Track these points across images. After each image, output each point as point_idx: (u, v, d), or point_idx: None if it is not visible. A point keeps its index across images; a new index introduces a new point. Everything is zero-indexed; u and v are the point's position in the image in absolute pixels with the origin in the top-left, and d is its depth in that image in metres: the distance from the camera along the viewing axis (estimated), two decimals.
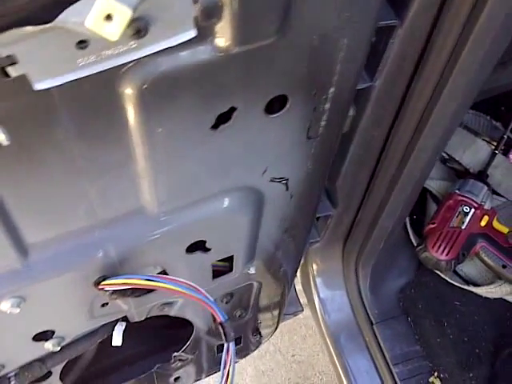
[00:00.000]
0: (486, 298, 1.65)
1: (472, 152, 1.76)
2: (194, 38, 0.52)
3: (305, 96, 0.69)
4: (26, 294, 0.76)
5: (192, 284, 0.74)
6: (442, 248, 1.56)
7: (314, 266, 1.63)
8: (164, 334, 1.30)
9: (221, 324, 0.78)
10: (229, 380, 0.77)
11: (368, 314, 1.60)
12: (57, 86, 0.50)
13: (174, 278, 0.74)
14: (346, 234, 1.49)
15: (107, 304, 0.88)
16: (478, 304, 1.66)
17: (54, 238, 0.71)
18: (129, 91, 0.56)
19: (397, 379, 1.52)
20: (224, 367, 0.78)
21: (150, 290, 0.88)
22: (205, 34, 0.54)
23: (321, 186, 0.95)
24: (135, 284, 0.74)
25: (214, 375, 1.72)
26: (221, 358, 1.48)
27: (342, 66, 0.67)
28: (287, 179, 0.82)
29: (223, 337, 0.78)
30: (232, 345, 0.78)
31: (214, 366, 1.59)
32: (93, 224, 0.72)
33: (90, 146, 0.60)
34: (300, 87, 0.67)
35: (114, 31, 0.43)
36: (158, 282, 0.73)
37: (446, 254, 1.56)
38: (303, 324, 2.53)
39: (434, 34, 0.86)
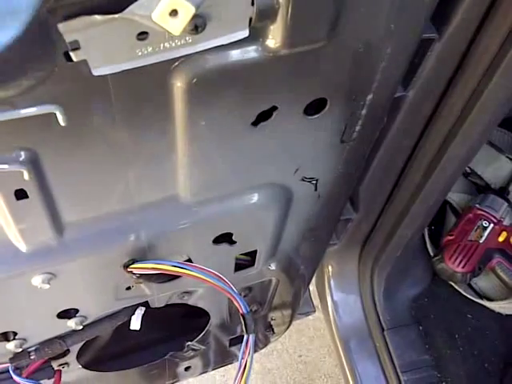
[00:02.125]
0: (499, 313, 1.66)
1: (494, 168, 1.77)
2: (245, 37, 0.54)
3: (344, 100, 0.70)
4: (57, 271, 0.79)
5: (219, 274, 0.77)
6: (458, 260, 1.57)
7: (330, 268, 1.65)
8: (179, 322, 1.32)
9: (243, 316, 0.80)
10: (246, 371, 0.79)
11: (380, 319, 1.61)
12: (113, 74, 0.53)
13: (202, 266, 0.76)
14: (364, 238, 1.50)
15: (132, 287, 0.91)
16: (490, 319, 1.66)
17: (90, 219, 0.74)
18: (179, 84, 0.58)
19: None
20: (242, 358, 0.80)
21: (174, 277, 0.90)
22: (256, 34, 0.56)
23: (349, 190, 0.97)
24: (164, 269, 0.76)
25: (218, 369, 1.75)
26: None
27: (382, 75, 0.69)
28: (317, 180, 0.84)
29: (244, 328, 0.80)
30: (252, 337, 0.80)
31: (222, 359, 1.61)
32: (128, 208, 0.75)
33: (136, 134, 0.63)
34: (340, 92, 0.69)
35: (177, 26, 0.45)
36: (187, 269, 0.75)
37: (463, 267, 1.57)
38: (312, 325, 2.54)
39: (471, 50, 0.88)
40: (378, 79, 0.70)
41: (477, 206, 1.63)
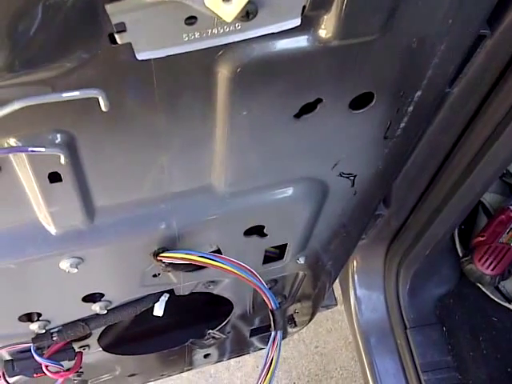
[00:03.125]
0: None
1: None
2: (296, 26, 0.52)
3: (391, 96, 0.67)
4: (86, 256, 0.77)
5: (250, 269, 0.75)
6: (488, 262, 1.53)
7: (355, 263, 1.62)
8: (202, 310, 1.31)
9: (272, 311, 0.78)
10: (271, 368, 0.77)
11: (403, 317, 1.58)
12: (157, 59, 0.50)
13: (233, 259, 0.74)
14: (392, 235, 1.47)
15: (159, 275, 0.89)
16: None
17: (122, 205, 0.72)
18: (223, 72, 0.56)
19: None
20: (268, 354, 0.78)
21: (202, 267, 0.89)
22: (308, 23, 0.53)
23: (386, 187, 0.94)
24: (195, 261, 0.74)
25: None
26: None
27: (433, 72, 0.66)
28: (355, 176, 0.81)
29: (272, 324, 0.79)
30: (280, 333, 0.78)
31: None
32: (161, 196, 0.73)
33: (175, 120, 0.60)
34: (388, 87, 0.66)
35: (230, 12, 0.43)
36: (218, 261, 0.73)
37: (492, 269, 1.53)
38: (330, 317, 2.53)
39: None
40: (429, 76, 0.66)
41: (510, 207, 1.59)
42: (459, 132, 1.05)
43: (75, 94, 0.46)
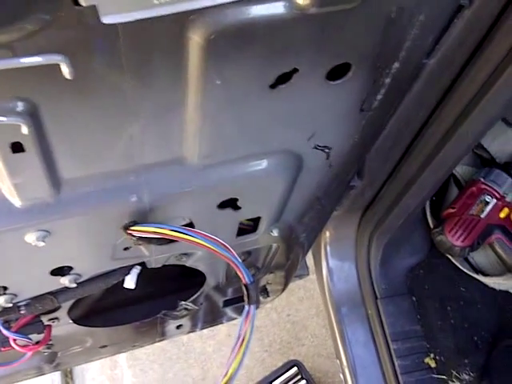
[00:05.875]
0: (493, 288, 1.65)
1: (501, 142, 1.72)
2: None
3: (368, 67, 0.66)
4: (52, 229, 0.75)
5: (223, 242, 0.73)
6: (458, 234, 1.55)
7: (327, 234, 1.62)
8: (174, 281, 1.30)
9: (245, 285, 0.77)
10: (244, 342, 0.76)
11: (374, 288, 1.60)
12: (125, 23, 0.47)
13: (205, 233, 0.73)
14: (365, 206, 1.47)
15: (130, 248, 0.87)
16: (483, 293, 1.66)
17: (90, 177, 0.70)
18: (195, 39, 0.53)
19: (393, 355, 1.54)
20: (241, 329, 0.77)
21: (174, 240, 0.87)
22: None
23: (361, 159, 0.93)
24: (167, 234, 0.72)
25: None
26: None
27: (411, 43, 0.64)
28: (330, 148, 0.80)
29: (246, 299, 0.78)
30: (253, 308, 0.78)
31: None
32: (130, 167, 0.70)
33: (144, 86, 0.58)
34: (366, 58, 0.64)
35: None
36: (191, 235, 0.71)
37: (462, 241, 1.55)
38: (302, 286, 2.55)
39: (499, 22, 0.82)
40: (407, 47, 0.65)
41: (481, 179, 1.60)
42: (434, 104, 1.04)
43: (37, 60, 0.42)
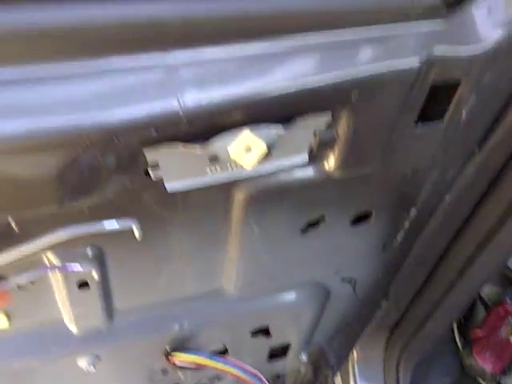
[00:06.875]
0: None
1: None
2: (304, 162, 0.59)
3: (388, 214, 0.74)
4: (103, 354, 0.82)
5: (258, 374, 0.78)
6: (487, 357, 1.54)
7: (355, 354, 1.62)
8: None
9: None
10: None
11: None
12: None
13: (242, 364, 0.78)
14: (391, 325, 1.49)
15: (168, 372, 0.93)
16: None
17: (139, 307, 0.78)
18: (239, 196, 0.63)
19: None
20: None
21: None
22: (314, 158, 0.61)
23: (387, 289, 0.99)
24: (206, 365, 0.78)
25: None
26: None
27: (427, 194, 0.73)
28: (356, 280, 0.87)
29: None
30: None
31: None
32: (175, 299, 0.79)
33: (195, 233, 0.67)
34: (385, 206, 0.73)
35: (250, 161, 0.50)
36: (228, 365, 0.77)
37: (492, 364, 1.54)
38: None
39: (505, 169, 0.90)
40: (423, 197, 0.74)
41: (508, 301, 1.61)
42: (455, 231, 1.10)
43: (115, 227, 0.52)
